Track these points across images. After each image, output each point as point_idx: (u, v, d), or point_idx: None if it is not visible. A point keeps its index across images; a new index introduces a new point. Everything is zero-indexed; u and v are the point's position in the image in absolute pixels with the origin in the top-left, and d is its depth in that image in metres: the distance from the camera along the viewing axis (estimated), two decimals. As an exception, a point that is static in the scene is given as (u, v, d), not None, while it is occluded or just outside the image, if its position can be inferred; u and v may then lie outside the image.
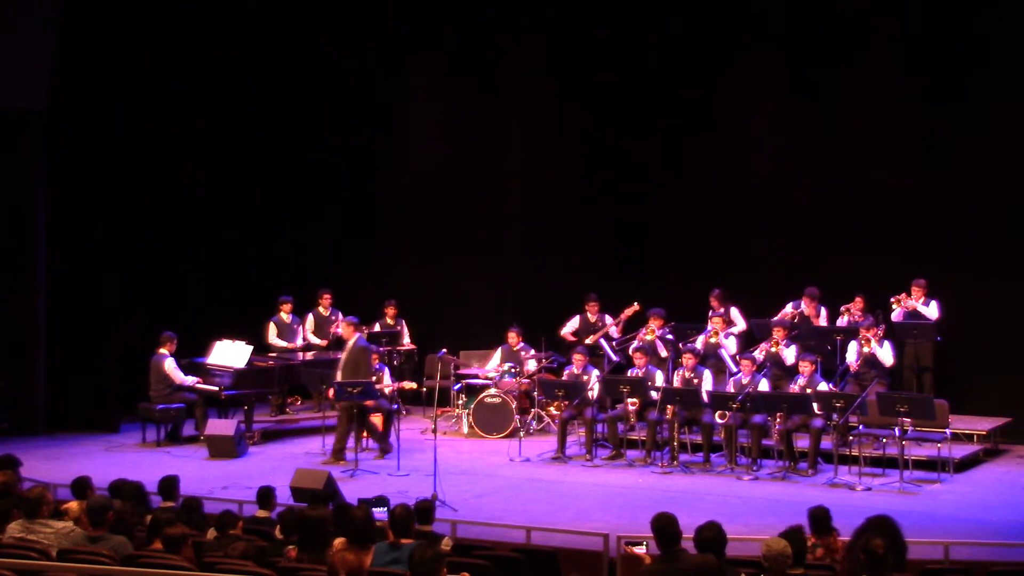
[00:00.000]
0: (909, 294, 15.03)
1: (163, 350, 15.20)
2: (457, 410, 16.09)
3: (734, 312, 15.50)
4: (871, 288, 15.39)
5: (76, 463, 13.89)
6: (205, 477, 13.20)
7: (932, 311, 14.88)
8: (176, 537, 7.87)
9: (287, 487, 11.09)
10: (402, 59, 18.29)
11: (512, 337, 15.96)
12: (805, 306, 15.29)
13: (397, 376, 15.80)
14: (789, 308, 15.41)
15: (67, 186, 16.16)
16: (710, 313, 15.33)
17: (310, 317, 16.99)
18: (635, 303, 15.73)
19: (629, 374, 14.62)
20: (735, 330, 15.29)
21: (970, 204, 15.56)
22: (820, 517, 8.81)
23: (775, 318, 15.19)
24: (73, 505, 8.93)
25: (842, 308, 15.10)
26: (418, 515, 8.55)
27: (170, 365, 15.16)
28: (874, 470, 13.30)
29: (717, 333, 14.93)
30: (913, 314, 14.95)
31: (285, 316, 16.74)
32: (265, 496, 10.10)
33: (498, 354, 16.05)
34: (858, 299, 15.18)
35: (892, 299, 15.07)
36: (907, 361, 14.90)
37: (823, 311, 15.31)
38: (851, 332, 14.61)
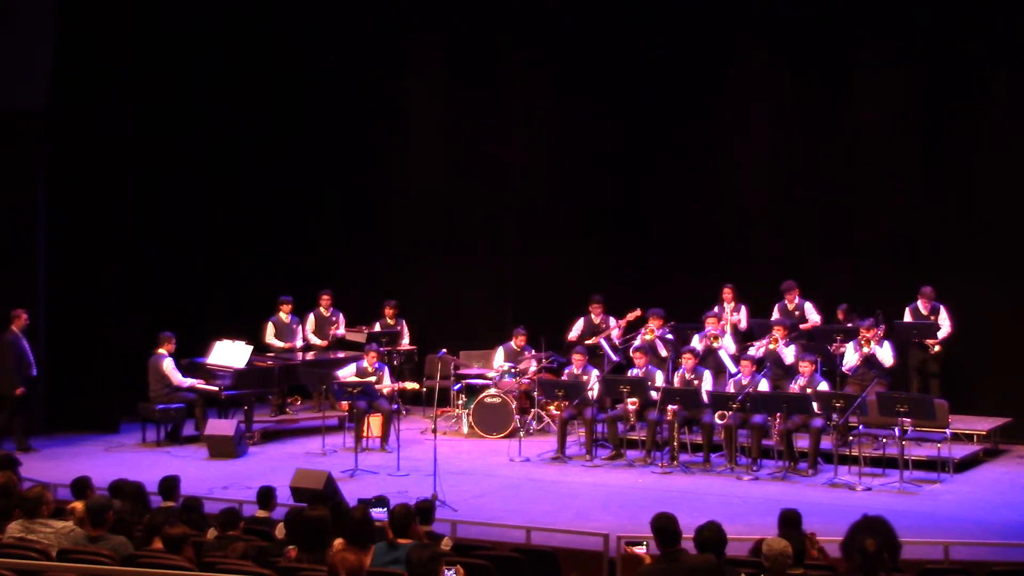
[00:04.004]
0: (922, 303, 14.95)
1: (162, 350, 15.20)
2: (457, 410, 16.09)
3: (742, 311, 15.55)
4: (871, 288, 15.41)
5: (76, 463, 13.88)
6: (205, 477, 13.20)
7: (943, 326, 14.82)
8: (176, 537, 7.87)
9: (287, 487, 11.09)
10: (402, 59, 18.29)
11: (518, 339, 15.96)
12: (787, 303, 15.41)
13: (397, 376, 15.81)
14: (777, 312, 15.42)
15: (67, 186, 16.16)
16: (716, 309, 15.37)
17: (311, 317, 16.97)
18: (637, 309, 15.69)
19: (629, 374, 14.62)
20: (739, 318, 15.40)
21: (970, 204, 15.57)
22: (790, 519, 8.71)
23: (773, 319, 15.20)
24: (78, 505, 8.91)
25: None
26: (418, 515, 8.54)
27: (168, 365, 15.16)
28: (874, 470, 13.30)
29: (716, 338, 14.92)
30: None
31: (284, 316, 16.72)
32: (265, 496, 10.10)
33: (500, 353, 16.05)
34: (839, 312, 15.13)
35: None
36: (913, 363, 14.89)
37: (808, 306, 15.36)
38: (851, 333, 14.61)
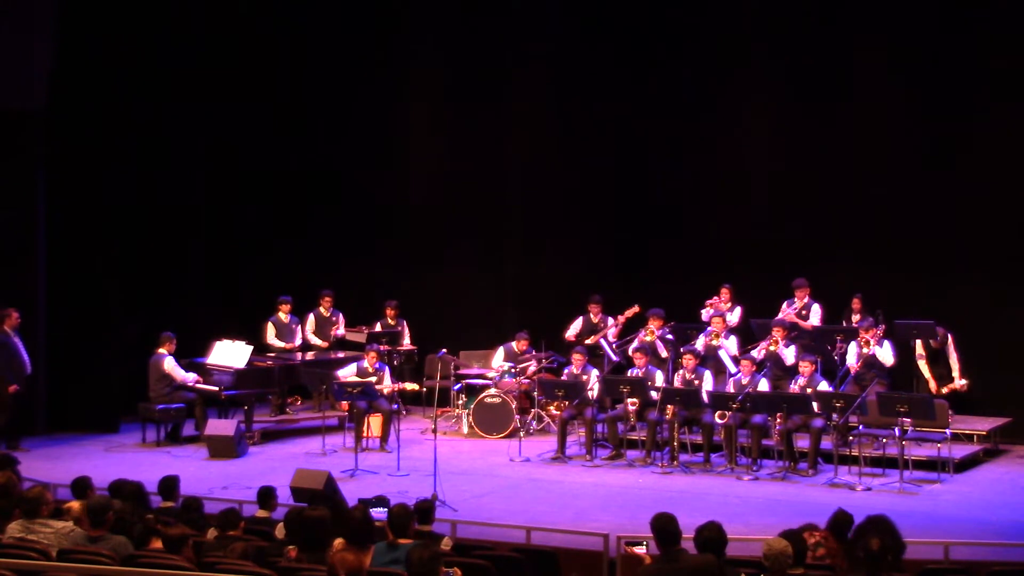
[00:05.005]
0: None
1: (162, 350, 15.21)
2: (457, 410, 16.09)
3: (737, 311, 15.58)
4: (871, 288, 15.40)
5: (76, 463, 13.89)
6: (205, 477, 13.20)
7: (952, 360, 14.82)
8: (176, 537, 7.87)
9: (287, 487, 11.09)
10: (402, 59, 18.29)
11: (520, 343, 15.93)
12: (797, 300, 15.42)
13: (397, 376, 15.81)
14: (785, 306, 15.52)
15: (67, 186, 16.16)
16: (710, 308, 15.40)
17: (311, 317, 16.97)
18: (636, 305, 15.75)
19: (629, 374, 14.62)
20: (731, 318, 15.40)
21: (971, 204, 15.55)
22: (842, 522, 8.65)
23: (776, 318, 15.21)
24: (75, 505, 8.92)
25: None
26: (418, 515, 8.54)
27: (170, 364, 15.16)
28: (874, 470, 13.30)
29: (718, 336, 14.94)
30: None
31: (284, 316, 16.72)
32: (265, 496, 10.10)
33: (500, 353, 16.04)
34: (855, 300, 15.21)
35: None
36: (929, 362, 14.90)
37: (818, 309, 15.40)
38: (851, 333, 14.60)
